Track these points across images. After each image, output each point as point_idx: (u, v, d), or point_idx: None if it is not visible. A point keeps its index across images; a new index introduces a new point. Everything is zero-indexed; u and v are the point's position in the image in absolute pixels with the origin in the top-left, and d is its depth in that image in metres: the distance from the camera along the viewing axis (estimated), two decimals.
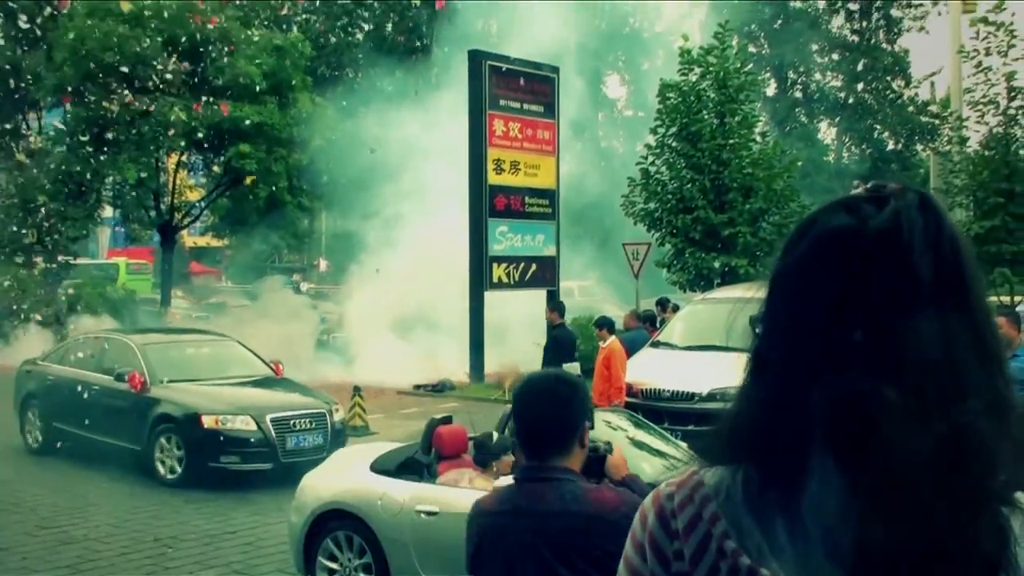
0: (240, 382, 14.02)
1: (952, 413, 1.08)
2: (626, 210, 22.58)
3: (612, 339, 13.19)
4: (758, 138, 22.65)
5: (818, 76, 49.31)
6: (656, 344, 14.62)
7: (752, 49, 43.58)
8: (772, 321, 1.22)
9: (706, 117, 21.52)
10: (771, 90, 46.47)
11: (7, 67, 31.04)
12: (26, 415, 14.96)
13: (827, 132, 49.61)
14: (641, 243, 21.81)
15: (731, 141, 21.43)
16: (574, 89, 29.80)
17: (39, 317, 25.62)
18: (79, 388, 14.13)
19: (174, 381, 13.49)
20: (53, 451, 14.14)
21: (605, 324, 13.36)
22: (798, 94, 48.88)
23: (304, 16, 42.80)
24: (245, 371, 14.47)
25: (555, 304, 15.34)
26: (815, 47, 47.68)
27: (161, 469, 12.68)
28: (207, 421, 12.46)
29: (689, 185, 21.42)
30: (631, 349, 14.37)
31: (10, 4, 31.29)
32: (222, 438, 12.36)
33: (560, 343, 14.64)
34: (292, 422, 12.78)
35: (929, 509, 1.06)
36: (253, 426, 12.47)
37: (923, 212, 1.16)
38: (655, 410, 12.02)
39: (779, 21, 46.87)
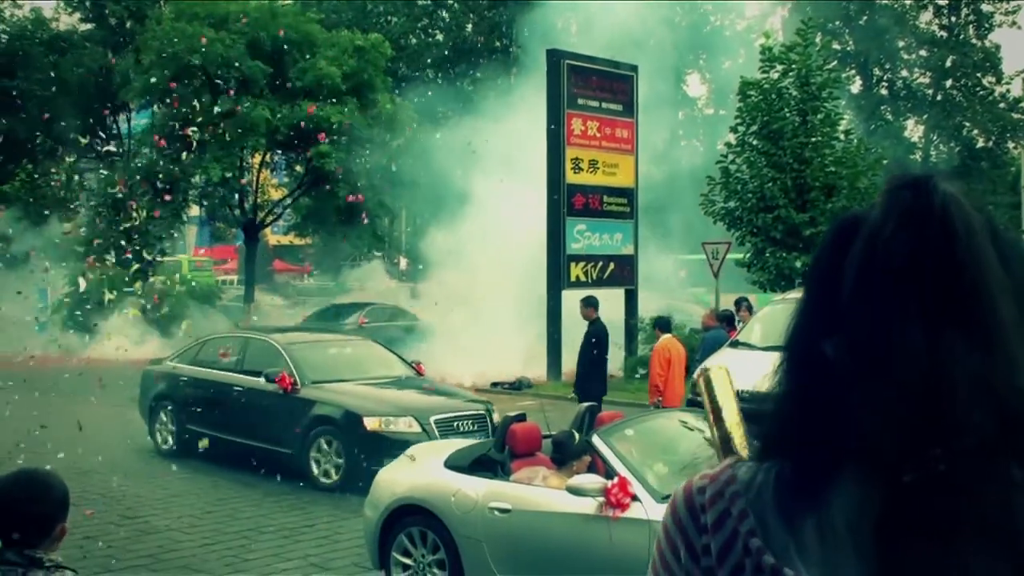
0: (387, 382, 13.53)
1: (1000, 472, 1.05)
2: (705, 209, 22.37)
3: (664, 337, 13.84)
4: (841, 136, 22.25)
5: (905, 72, 48.31)
6: (735, 344, 14.46)
7: (836, 46, 42.83)
8: (797, 314, 1.22)
9: (788, 115, 21.21)
10: (856, 87, 45.64)
11: (98, 69, 31.89)
12: (157, 417, 14.50)
13: (914, 129, 48.59)
14: (721, 242, 21.58)
15: (813, 139, 21.10)
16: (653, 87, 29.58)
17: (133, 312, 26.15)
18: (219, 389, 13.66)
19: (321, 382, 13.04)
20: (186, 453, 13.66)
21: (658, 324, 14.20)
22: (884, 91, 47.95)
23: (385, 17, 43.23)
24: (387, 371, 14.02)
25: (589, 300, 15.37)
26: (901, 43, 46.72)
27: (316, 472, 12.27)
28: (369, 423, 11.97)
29: (770, 184, 21.13)
30: (711, 349, 14.35)
31: (103, 9, 32.16)
32: (385, 441, 11.70)
33: (597, 338, 14.70)
34: (455, 424, 12.31)
35: (962, 538, 1.04)
36: (417, 428, 11.91)
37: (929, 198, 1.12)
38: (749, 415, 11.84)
39: (864, 17, 46.03)
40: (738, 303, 17.92)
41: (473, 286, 24.40)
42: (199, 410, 13.72)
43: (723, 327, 16.00)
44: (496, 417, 12.34)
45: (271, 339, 14.24)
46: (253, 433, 12.97)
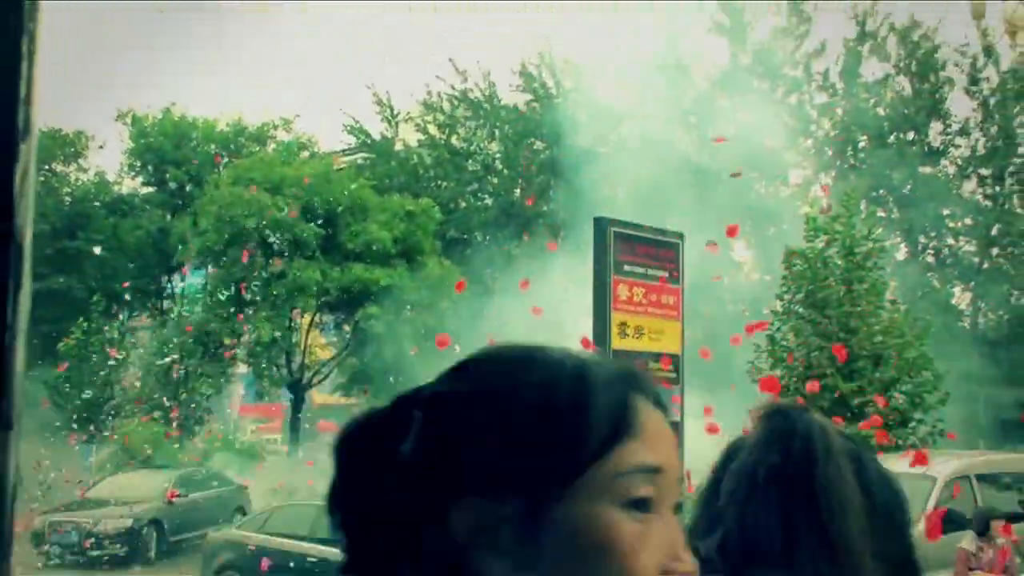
0: None
1: None
2: (752, 376, 22.24)
3: None
4: (888, 304, 22.22)
5: (951, 240, 48.42)
6: None
7: (881, 213, 43.22)
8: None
9: (833, 284, 21.28)
10: (901, 254, 45.76)
11: (156, 231, 32.87)
12: None
13: (961, 297, 48.34)
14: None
15: (859, 308, 21.08)
16: (698, 253, 29.89)
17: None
18: (290, 559, 13.23)
19: None
20: None
21: None
22: (930, 258, 47.98)
23: (436, 182, 44.39)
24: None
25: None
26: (946, 211, 47.00)
27: None
28: None
29: (817, 352, 21.04)
30: None
31: (164, 173, 33.37)
32: None
33: None
34: None
35: None
36: None
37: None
38: None
39: (908, 186, 46.50)
40: None
41: None
42: None
43: None
44: None
45: None
46: None
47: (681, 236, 24.52)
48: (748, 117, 41.98)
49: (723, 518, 1.23)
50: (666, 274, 23.67)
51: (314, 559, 13.01)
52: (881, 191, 45.60)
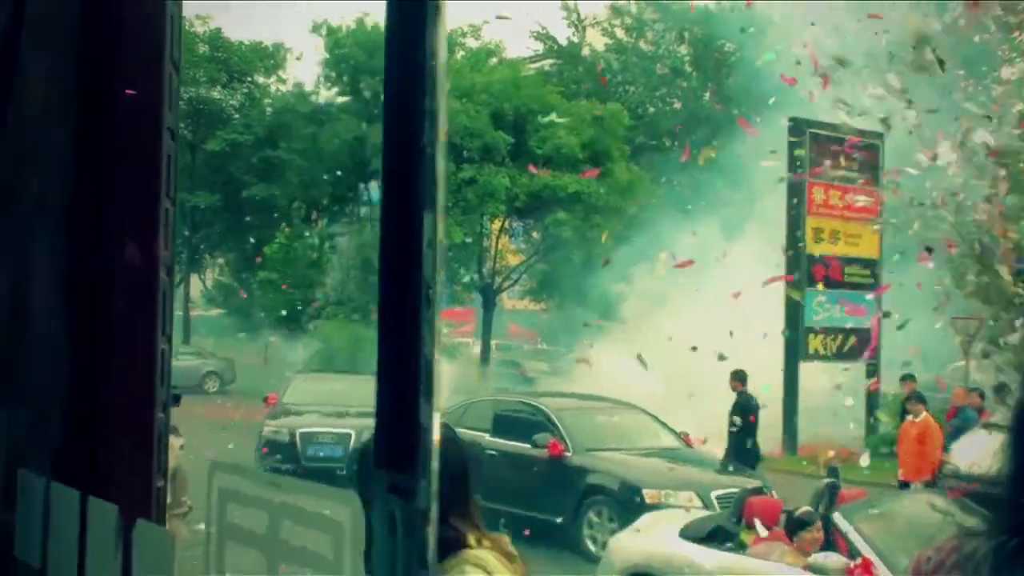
0: (658, 452, 13.08)
1: None
2: (957, 283, 21.32)
3: (925, 414, 13.15)
4: None
5: None
6: (987, 426, 13.69)
7: None
8: None
9: None
10: None
11: (352, 139, 33.82)
12: None
13: None
14: (973, 318, 20.47)
15: None
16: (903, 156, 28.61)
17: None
18: (479, 454, 13.07)
19: (593, 450, 12.67)
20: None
21: (920, 399, 13.42)
22: None
23: (624, 87, 43.85)
24: (656, 441, 13.60)
25: (736, 373, 15.24)
26: None
27: (591, 545, 11.77)
28: (649, 495, 11.38)
29: None
30: (961, 429, 13.83)
31: (359, 83, 34.16)
32: None
33: (744, 409, 14.72)
34: None
35: None
36: (698, 503, 11.23)
37: None
38: (981, 495, 11.21)
39: None
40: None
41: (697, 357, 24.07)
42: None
43: (972, 408, 15.26)
44: (773, 494, 11.37)
45: (541, 404, 13.95)
46: (515, 499, 12.23)
47: (881, 136, 23.57)
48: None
49: None
50: (865, 176, 22.88)
51: (501, 453, 13.28)
52: None
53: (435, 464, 0.91)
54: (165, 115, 1.17)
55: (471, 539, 2.06)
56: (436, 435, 0.91)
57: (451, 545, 2.02)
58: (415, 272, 0.91)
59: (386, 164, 0.98)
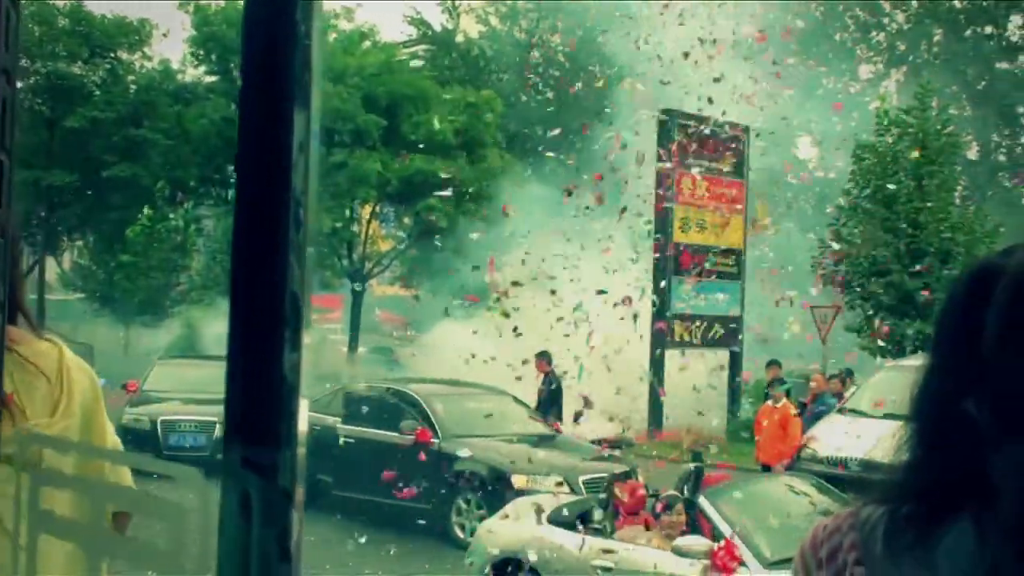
0: (526, 438, 13.12)
1: None
2: (815, 272, 22.03)
3: (784, 400, 13.97)
4: (958, 201, 21.79)
5: None
6: (842, 411, 14.18)
7: (953, 111, 42.10)
8: (928, 359, 1.26)
9: (903, 179, 20.85)
10: (972, 153, 44.63)
11: (219, 120, 32.99)
12: None
13: None
14: (829, 306, 21.19)
15: (928, 204, 20.68)
16: (762, 148, 29.43)
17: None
18: (350, 441, 13.18)
19: (462, 436, 12.62)
20: (313, 505, 12.87)
21: (782, 384, 14.39)
22: (1002, 157, 46.78)
23: (497, 75, 43.90)
24: (524, 428, 13.67)
25: (542, 354, 15.82)
26: (1021, 109, 45.61)
27: (459, 532, 11.82)
28: (517, 481, 11.46)
29: (883, 248, 20.74)
30: (819, 415, 14.27)
31: (228, 63, 33.32)
32: None
33: (552, 392, 15.77)
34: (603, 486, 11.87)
35: None
36: (566, 489, 11.35)
37: None
38: (838, 477, 11.61)
39: (983, 82, 45.11)
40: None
41: (576, 341, 24.31)
42: (328, 462, 13.11)
43: (831, 394, 15.73)
44: (640, 479, 11.51)
45: (410, 390, 13.86)
46: (385, 489, 12.25)
47: (747, 129, 24.15)
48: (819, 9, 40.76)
49: (994, 369, 1.12)
50: (731, 167, 23.40)
51: (372, 441, 13.15)
52: (954, 87, 44.30)
53: (303, 430, 0.77)
54: (0, 53, 1.04)
55: None
56: (304, 397, 0.77)
57: None
58: (278, 257, 0.81)
59: (248, 150, 0.86)
